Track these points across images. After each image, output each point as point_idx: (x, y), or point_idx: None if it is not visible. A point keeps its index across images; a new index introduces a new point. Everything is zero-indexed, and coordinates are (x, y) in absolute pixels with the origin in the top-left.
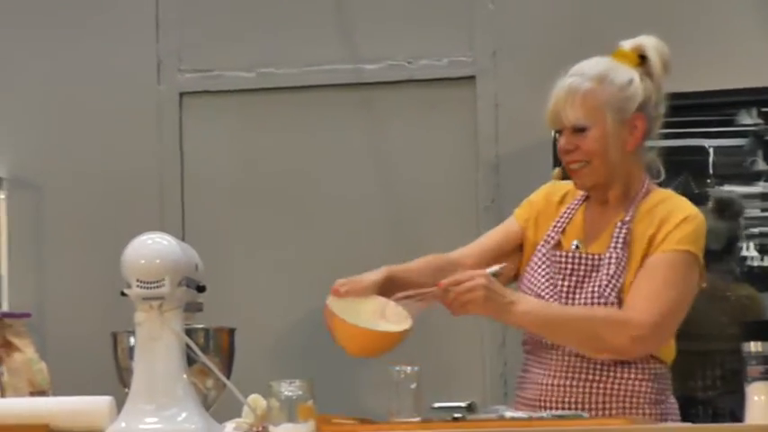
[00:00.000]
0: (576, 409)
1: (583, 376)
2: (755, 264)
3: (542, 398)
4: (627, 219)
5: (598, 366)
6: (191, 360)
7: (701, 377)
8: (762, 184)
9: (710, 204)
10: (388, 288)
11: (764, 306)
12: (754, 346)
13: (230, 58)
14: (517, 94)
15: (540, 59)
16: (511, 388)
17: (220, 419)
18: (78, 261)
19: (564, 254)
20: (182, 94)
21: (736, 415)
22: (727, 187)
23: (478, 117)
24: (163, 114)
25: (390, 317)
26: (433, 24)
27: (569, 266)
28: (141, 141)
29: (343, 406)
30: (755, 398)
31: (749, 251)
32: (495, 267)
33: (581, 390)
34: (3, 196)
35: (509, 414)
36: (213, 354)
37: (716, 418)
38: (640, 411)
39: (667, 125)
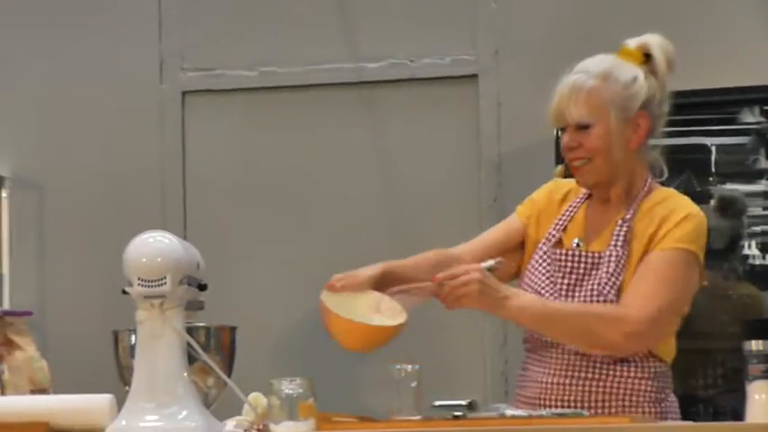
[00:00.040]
0: (576, 407)
1: (583, 374)
2: (757, 262)
3: (542, 396)
4: (628, 217)
5: (598, 365)
6: (192, 358)
7: (703, 375)
8: (764, 182)
9: (714, 203)
10: (384, 283)
11: (766, 305)
12: (755, 345)
13: (233, 57)
14: (520, 92)
15: (543, 58)
16: (511, 386)
17: (221, 417)
18: (80, 259)
19: (564, 252)
20: (184, 93)
21: (738, 413)
22: (729, 185)
23: (481, 116)
24: (165, 113)
25: (385, 311)
26: (436, 23)
27: (569, 264)
28: (143, 140)
29: (344, 404)
30: (756, 396)
31: (751, 250)
32: (491, 262)
33: (580, 388)
34: (5, 195)
35: (509, 412)
36: (214, 352)
37: (717, 416)
38: (640, 410)
39: (669, 123)
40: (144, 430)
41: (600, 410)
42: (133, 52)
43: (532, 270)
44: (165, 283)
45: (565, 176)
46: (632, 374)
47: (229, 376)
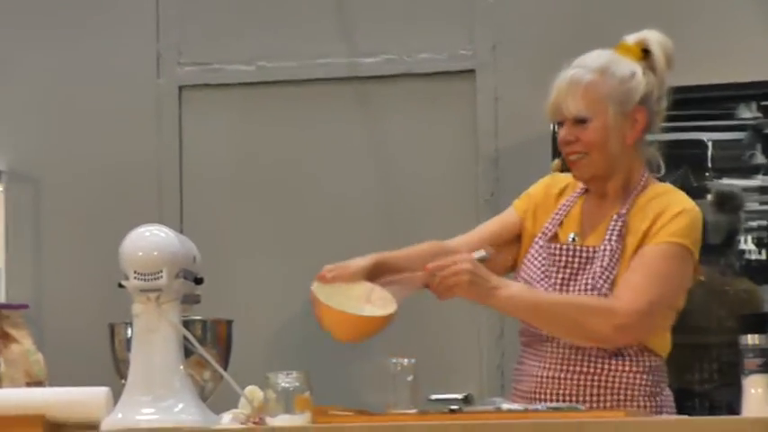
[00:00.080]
0: (572, 401)
1: (578, 368)
2: (753, 257)
3: (538, 390)
4: (623, 211)
5: (593, 359)
6: (188, 352)
7: (699, 370)
8: (760, 177)
9: (711, 198)
10: (376, 274)
11: (762, 299)
12: (751, 339)
13: (230, 52)
14: (517, 88)
15: (540, 53)
16: (508, 380)
17: (217, 411)
18: (76, 253)
19: (559, 246)
20: (181, 88)
21: (734, 408)
22: (725, 181)
23: (478, 111)
24: (162, 108)
25: (376, 301)
26: (433, 18)
27: (564, 259)
28: (140, 134)
29: (340, 398)
30: (752, 390)
31: (747, 245)
32: (482, 252)
33: (575, 382)
34: (1, 189)
35: (506, 406)
36: (210, 345)
37: (713, 410)
38: (635, 404)
39: (666, 119)
40: (140, 423)
41: (595, 404)
42: (130, 47)
43: (528, 264)
44: (162, 276)
45: (561, 170)
46: (627, 369)
47: (226, 369)
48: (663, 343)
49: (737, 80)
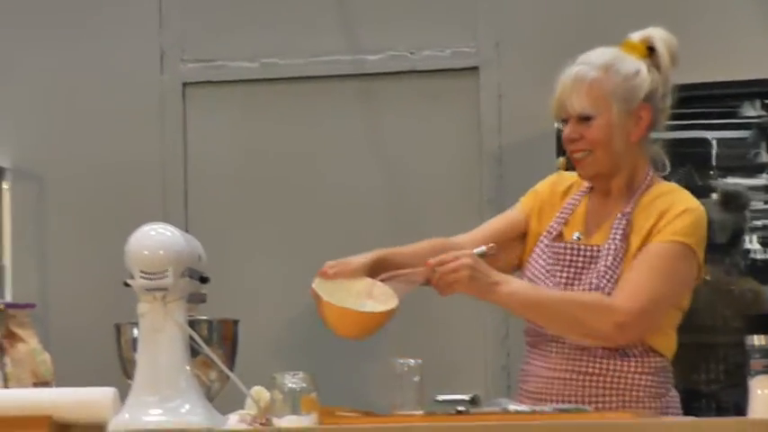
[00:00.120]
0: (577, 401)
1: (583, 369)
2: (758, 257)
3: (544, 391)
4: (627, 210)
5: (598, 359)
6: (194, 351)
7: (705, 370)
8: (765, 176)
9: (717, 197)
10: (378, 270)
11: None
12: (757, 340)
13: (233, 49)
14: (520, 85)
15: (544, 50)
16: (514, 381)
17: (224, 411)
18: (81, 252)
19: (563, 245)
20: (185, 85)
21: (740, 408)
22: (730, 179)
23: (481, 108)
24: (166, 105)
25: (378, 297)
26: (436, 15)
27: (568, 258)
28: (144, 132)
29: (346, 398)
30: (759, 391)
31: (752, 244)
32: (482, 248)
33: (581, 383)
34: (6, 187)
35: (512, 407)
36: (216, 345)
37: (719, 411)
38: (641, 404)
39: (671, 117)
40: (147, 424)
41: (601, 405)
42: (134, 44)
43: (533, 262)
44: (167, 275)
45: (567, 169)
46: (633, 369)
47: (232, 370)
48: (668, 343)
49: (742, 78)
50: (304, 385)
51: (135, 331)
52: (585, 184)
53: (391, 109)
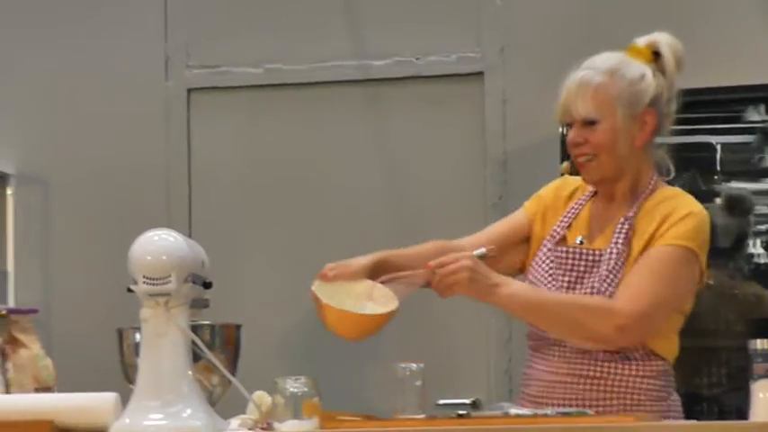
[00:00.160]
0: (578, 405)
1: (584, 372)
2: (762, 261)
3: (545, 394)
4: (630, 214)
5: (600, 363)
6: (196, 356)
7: (707, 374)
8: None
9: (721, 201)
10: (378, 273)
11: None
12: (760, 344)
13: (238, 54)
14: (525, 90)
15: (549, 56)
16: (516, 385)
17: (225, 416)
18: (85, 257)
19: (566, 249)
20: (189, 90)
21: (742, 412)
22: (734, 184)
23: (486, 113)
24: (170, 110)
25: (378, 298)
26: (441, 20)
27: (570, 261)
28: (149, 137)
29: (348, 403)
30: (761, 395)
31: (756, 248)
32: (482, 249)
33: (582, 386)
34: (10, 192)
35: (514, 411)
36: (219, 350)
37: (721, 415)
38: (642, 408)
39: (675, 121)
40: (148, 429)
41: (602, 408)
42: (138, 49)
43: (535, 266)
44: (170, 281)
45: (571, 173)
46: (634, 373)
47: (234, 375)
48: (670, 347)
49: (746, 83)
50: (306, 390)
51: (137, 336)
52: (589, 188)
53: (396, 114)
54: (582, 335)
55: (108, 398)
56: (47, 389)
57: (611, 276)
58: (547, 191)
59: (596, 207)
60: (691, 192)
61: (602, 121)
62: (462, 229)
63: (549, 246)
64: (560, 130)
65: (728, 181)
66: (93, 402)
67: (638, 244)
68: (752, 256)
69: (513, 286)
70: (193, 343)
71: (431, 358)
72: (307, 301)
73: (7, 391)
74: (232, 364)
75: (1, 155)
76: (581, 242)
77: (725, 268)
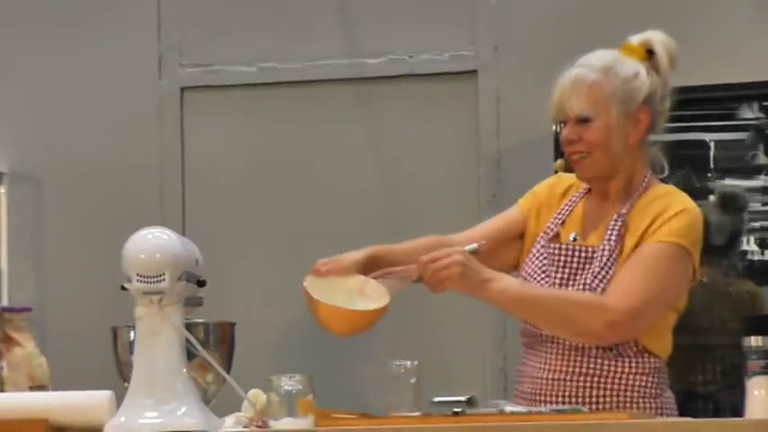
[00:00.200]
0: (572, 402)
1: (577, 370)
2: (756, 258)
3: (539, 392)
4: (623, 212)
5: (593, 360)
6: (191, 355)
7: (702, 371)
8: (762, 178)
9: (715, 198)
10: (371, 268)
11: (765, 301)
12: (754, 341)
13: (231, 53)
14: (519, 88)
15: (543, 54)
16: (511, 382)
17: (220, 414)
18: (78, 256)
19: (558, 246)
20: (183, 89)
21: (737, 409)
22: (728, 181)
23: (480, 112)
24: (164, 109)
25: (370, 294)
26: (435, 18)
27: (563, 258)
28: (142, 136)
29: (343, 400)
30: (756, 392)
31: (750, 245)
32: (474, 245)
33: (575, 383)
34: (3, 191)
35: (509, 408)
36: (213, 348)
37: (716, 412)
38: (635, 405)
39: (668, 119)
40: (143, 427)
41: (595, 406)
42: (132, 48)
43: (529, 263)
44: (164, 279)
45: (565, 170)
46: (627, 370)
47: (228, 372)
48: (663, 345)
49: (740, 80)
50: (300, 387)
51: (132, 334)
52: (583, 185)
53: (390, 112)
54: (572, 330)
55: (103, 396)
56: (41, 387)
57: (604, 273)
58: (541, 187)
59: (590, 204)
60: (684, 189)
61: (596, 118)
62: (456, 228)
63: (543, 242)
64: (554, 127)
65: (722, 178)
66: (88, 400)
67: (630, 241)
68: (746, 253)
69: (505, 281)
70: (188, 341)
71: (426, 355)
72: (301, 299)
73: (2, 390)
74: (227, 362)
75: None
76: (574, 239)
77: (719, 265)
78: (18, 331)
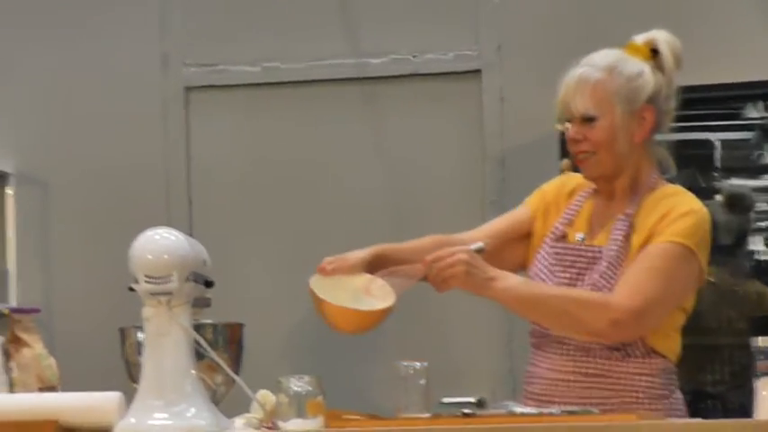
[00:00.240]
0: (579, 403)
1: (584, 370)
2: (763, 258)
3: (548, 392)
4: (630, 211)
5: (601, 361)
6: (199, 355)
7: (710, 372)
8: None
9: (722, 198)
10: (376, 266)
11: None
12: (762, 342)
13: (235, 53)
14: (523, 88)
15: (546, 54)
16: (520, 384)
17: (229, 415)
18: (86, 257)
19: (565, 246)
20: (187, 89)
21: (746, 410)
22: (734, 181)
23: (484, 111)
24: (168, 109)
25: (376, 293)
26: (439, 18)
27: (569, 258)
28: (147, 136)
29: (352, 402)
30: (764, 393)
31: (757, 245)
32: (479, 243)
33: (583, 384)
34: (10, 192)
35: (518, 409)
36: (222, 349)
37: (725, 412)
38: (642, 406)
39: (674, 118)
40: (153, 428)
41: (602, 407)
42: (136, 48)
43: (538, 263)
44: (172, 280)
45: (573, 170)
46: (633, 370)
47: (237, 373)
48: (670, 345)
49: (745, 80)
50: (310, 389)
51: (140, 335)
52: (590, 185)
53: (394, 112)
54: (576, 328)
55: (112, 397)
56: (51, 388)
57: (611, 273)
58: (550, 186)
59: (597, 204)
60: (690, 189)
61: (600, 117)
62: (460, 228)
63: (550, 243)
64: (558, 126)
65: (728, 178)
66: (98, 402)
67: (637, 240)
68: (753, 253)
69: (509, 280)
70: (196, 342)
71: (434, 357)
72: (309, 300)
73: (11, 391)
74: (235, 363)
75: (0, 155)
76: (582, 239)
77: (726, 266)
78: (27, 332)
